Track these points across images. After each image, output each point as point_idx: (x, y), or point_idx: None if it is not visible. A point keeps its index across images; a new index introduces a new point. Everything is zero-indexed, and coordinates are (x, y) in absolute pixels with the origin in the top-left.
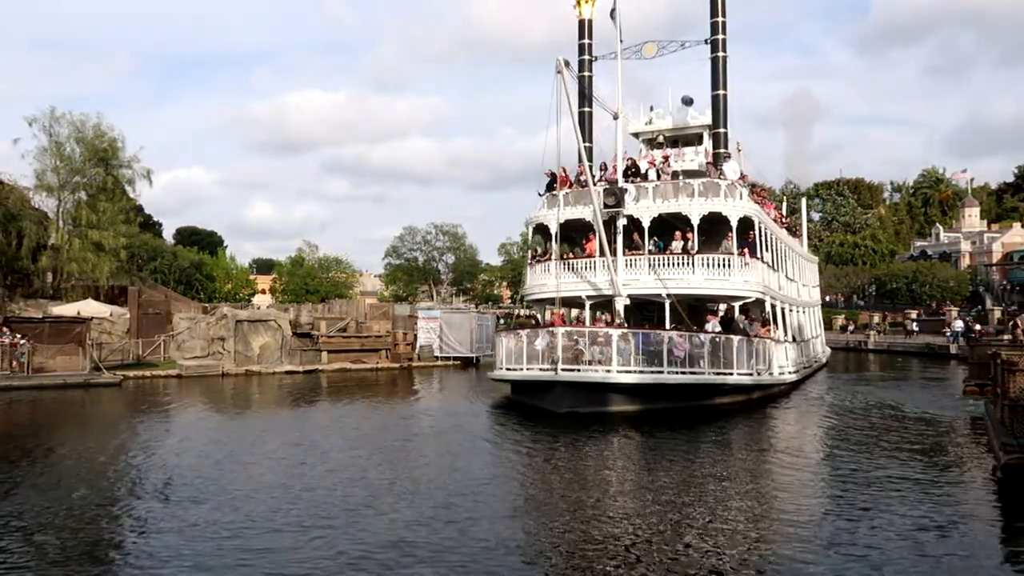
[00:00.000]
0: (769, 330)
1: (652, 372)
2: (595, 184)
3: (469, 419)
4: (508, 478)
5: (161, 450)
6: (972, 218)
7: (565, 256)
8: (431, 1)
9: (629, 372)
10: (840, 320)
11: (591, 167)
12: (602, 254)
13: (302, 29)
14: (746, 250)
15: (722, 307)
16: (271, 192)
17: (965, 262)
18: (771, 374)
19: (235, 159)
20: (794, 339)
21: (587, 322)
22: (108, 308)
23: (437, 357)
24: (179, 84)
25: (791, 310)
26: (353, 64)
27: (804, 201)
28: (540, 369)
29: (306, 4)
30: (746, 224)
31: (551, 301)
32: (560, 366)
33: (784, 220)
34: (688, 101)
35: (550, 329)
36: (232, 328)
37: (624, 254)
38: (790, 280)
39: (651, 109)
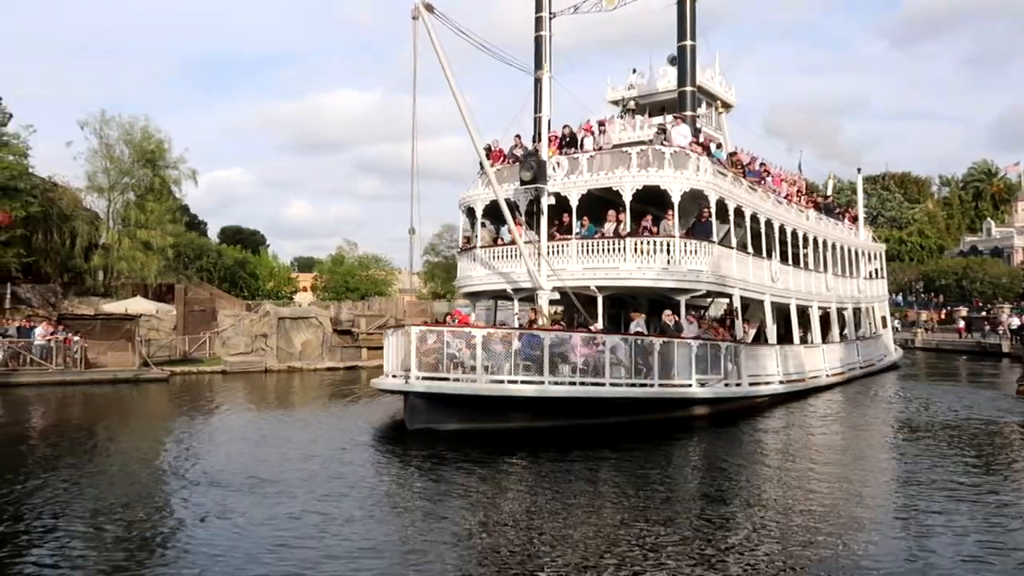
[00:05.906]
0: (728, 330)
1: (533, 384)
2: (519, 159)
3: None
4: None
5: (213, 442)
6: None
7: (496, 242)
8: (453, 1)
9: (502, 383)
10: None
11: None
12: (519, 240)
13: (326, 31)
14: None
15: (721, 303)
16: (305, 191)
17: (1018, 258)
18: (739, 384)
19: (268, 159)
20: (803, 341)
21: (514, 320)
22: (155, 305)
23: None
24: (211, 86)
25: (808, 307)
26: (379, 65)
27: (860, 179)
28: (391, 377)
29: (328, 5)
30: (698, 200)
31: (495, 294)
32: (414, 373)
33: (808, 199)
34: (674, 60)
35: (404, 328)
36: (275, 325)
37: (551, 239)
38: (805, 270)
39: (633, 72)
